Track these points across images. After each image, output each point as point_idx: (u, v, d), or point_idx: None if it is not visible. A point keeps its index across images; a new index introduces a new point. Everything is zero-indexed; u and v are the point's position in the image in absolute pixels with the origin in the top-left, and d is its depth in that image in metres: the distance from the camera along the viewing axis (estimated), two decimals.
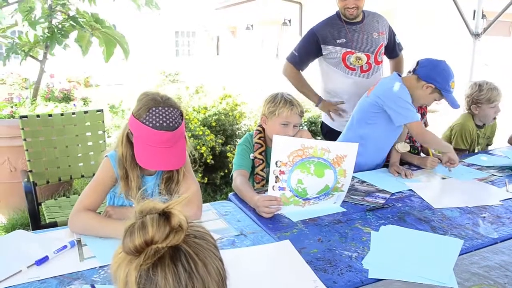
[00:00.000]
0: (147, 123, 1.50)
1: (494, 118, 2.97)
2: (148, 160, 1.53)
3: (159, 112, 1.51)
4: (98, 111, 2.89)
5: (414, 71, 2.34)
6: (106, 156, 1.68)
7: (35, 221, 2.41)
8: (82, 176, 2.84)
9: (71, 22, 2.99)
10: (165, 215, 0.71)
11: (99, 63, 4.11)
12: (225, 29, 17.89)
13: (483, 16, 4.05)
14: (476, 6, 3.86)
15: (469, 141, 2.93)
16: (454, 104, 2.31)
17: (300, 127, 2.23)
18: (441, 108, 3.03)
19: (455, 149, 2.56)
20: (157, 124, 1.49)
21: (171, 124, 1.51)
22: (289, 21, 13.63)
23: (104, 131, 2.90)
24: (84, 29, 2.97)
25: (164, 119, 1.50)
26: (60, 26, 2.89)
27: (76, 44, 3.20)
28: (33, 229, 2.27)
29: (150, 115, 1.50)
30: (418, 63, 2.34)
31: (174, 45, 17.65)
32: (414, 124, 2.29)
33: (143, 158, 1.54)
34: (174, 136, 1.53)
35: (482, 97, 2.84)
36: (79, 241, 1.50)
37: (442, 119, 3.42)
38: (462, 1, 3.88)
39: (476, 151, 2.99)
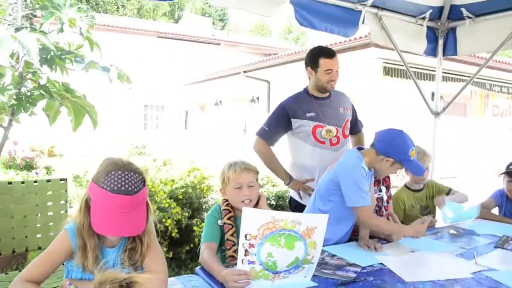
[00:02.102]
0: (105, 186, 1.44)
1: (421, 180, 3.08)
2: (102, 225, 1.46)
3: (118, 175, 1.46)
4: (61, 180, 2.80)
5: (372, 145, 2.39)
6: (64, 228, 1.59)
7: None
8: (39, 248, 2.68)
9: (41, 91, 2.96)
10: (126, 285, 0.66)
11: (65, 132, 4.05)
12: (194, 104, 18.24)
13: (441, 97, 4.30)
14: (434, 88, 4.13)
15: (403, 209, 3.05)
16: (417, 172, 2.37)
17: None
18: None
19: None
20: (115, 188, 1.44)
21: (129, 188, 1.46)
22: (257, 98, 14.05)
23: (66, 201, 2.80)
24: (53, 99, 2.94)
25: (123, 183, 1.45)
26: (29, 94, 2.87)
27: (43, 112, 3.15)
28: None
29: (109, 179, 1.45)
30: (375, 136, 2.39)
31: (142, 118, 17.77)
32: (362, 209, 2.29)
33: (97, 222, 1.46)
34: (133, 201, 1.47)
35: None
36: None
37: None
38: (421, 83, 4.16)
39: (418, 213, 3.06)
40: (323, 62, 2.81)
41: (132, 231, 1.51)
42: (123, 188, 1.45)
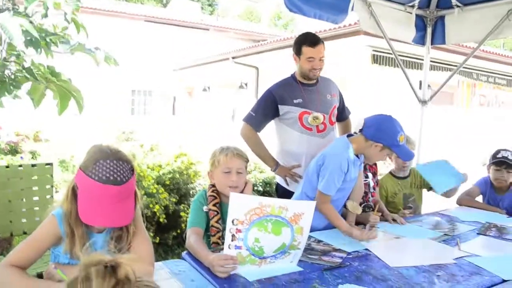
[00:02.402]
0: (92, 176, 1.41)
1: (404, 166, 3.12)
2: (90, 215, 1.44)
3: (106, 165, 1.43)
4: (47, 164, 2.78)
5: (361, 131, 2.39)
6: (52, 213, 1.57)
7: None
8: (25, 233, 2.66)
9: (25, 74, 2.90)
10: (111, 267, 0.66)
11: (51, 116, 4.00)
12: (181, 89, 18.10)
13: (429, 86, 4.33)
14: (422, 77, 4.16)
15: (385, 195, 3.09)
16: (405, 157, 2.38)
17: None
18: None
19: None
20: (104, 178, 1.41)
21: (118, 178, 1.43)
22: (246, 84, 14.00)
23: (52, 186, 2.77)
24: (38, 82, 2.90)
25: (111, 173, 1.42)
26: (13, 76, 2.82)
27: (28, 96, 3.10)
28: None
29: (97, 168, 1.42)
30: (364, 122, 2.38)
31: (130, 103, 17.60)
32: (322, 195, 2.33)
33: (85, 212, 1.44)
34: (121, 191, 1.44)
35: None
36: None
37: None
38: (409, 72, 4.19)
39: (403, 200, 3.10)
40: (306, 50, 2.81)
41: (120, 222, 1.49)
42: (111, 178, 1.42)
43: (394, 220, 2.65)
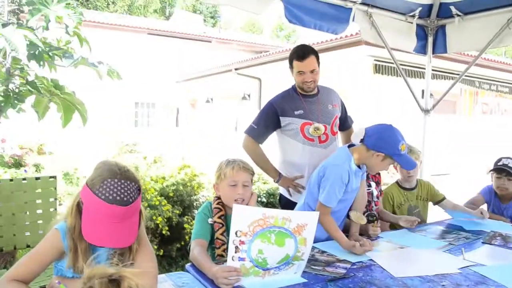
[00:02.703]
0: (99, 194, 1.42)
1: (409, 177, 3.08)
2: (93, 233, 1.43)
3: (114, 184, 1.43)
4: (51, 177, 2.78)
5: (362, 140, 2.38)
6: (55, 227, 1.56)
7: None
8: (28, 246, 2.66)
9: (29, 87, 2.93)
10: (115, 280, 0.66)
11: (55, 129, 4.02)
12: (185, 101, 18.17)
13: (431, 95, 4.34)
14: (424, 86, 4.17)
15: (391, 205, 3.06)
16: (406, 166, 2.36)
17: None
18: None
19: None
20: (110, 197, 1.41)
21: (125, 199, 1.43)
22: (249, 95, 14.03)
23: (56, 199, 2.78)
24: (42, 95, 2.92)
25: (119, 193, 1.42)
26: (17, 90, 2.84)
27: (32, 109, 3.13)
28: None
29: (104, 187, 1.42)
30: (365, 132, 2.37)
31: (133, 115, 17.67)
32: (323, 206, 2.30)
33: (88, 231, 1.44)
34: (127, 212, 1.44)
35: None
36: None
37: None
38: (411, 81, 4.20)
39: (407, 212, 3.06)
40: (295, 64, 2.83)
41: (122, 243, 1.48)
42: (118, 198, 1.42)
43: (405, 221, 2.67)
